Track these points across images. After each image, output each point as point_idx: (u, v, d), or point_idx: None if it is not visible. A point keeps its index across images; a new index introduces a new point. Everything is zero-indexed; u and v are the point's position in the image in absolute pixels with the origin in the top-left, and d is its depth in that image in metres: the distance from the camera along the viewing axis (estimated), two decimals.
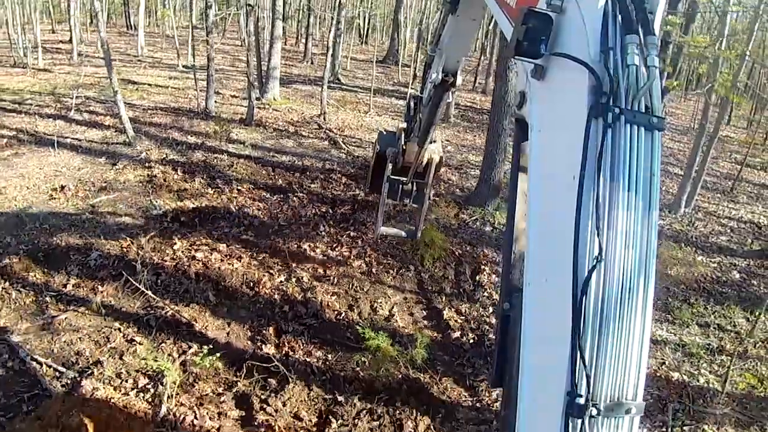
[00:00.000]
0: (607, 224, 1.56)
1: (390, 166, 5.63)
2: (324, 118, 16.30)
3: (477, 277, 8.27)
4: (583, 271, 1.53)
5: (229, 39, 34.22)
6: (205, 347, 5.92)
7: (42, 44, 23.18)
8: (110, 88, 12.73)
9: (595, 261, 1.52)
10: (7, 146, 12.04)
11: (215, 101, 16.36)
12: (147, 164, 11.27)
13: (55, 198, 9.58)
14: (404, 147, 5.47)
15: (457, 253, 8.84)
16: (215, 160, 11.88)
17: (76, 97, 15.72)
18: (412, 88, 22.85)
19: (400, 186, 5.85)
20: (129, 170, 10.97)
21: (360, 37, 42.70)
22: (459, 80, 4.23)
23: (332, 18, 22.17)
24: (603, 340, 1.53)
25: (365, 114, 18.31)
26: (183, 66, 23.33)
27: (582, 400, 1.51)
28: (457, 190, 11.89)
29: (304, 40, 31.72)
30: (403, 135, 5.51)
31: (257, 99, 16.48)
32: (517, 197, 2.25)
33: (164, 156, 11.83)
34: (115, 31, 35.35)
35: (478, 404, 5.84)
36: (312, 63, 28.11)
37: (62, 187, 9.89)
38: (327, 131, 15.28)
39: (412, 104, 5.23)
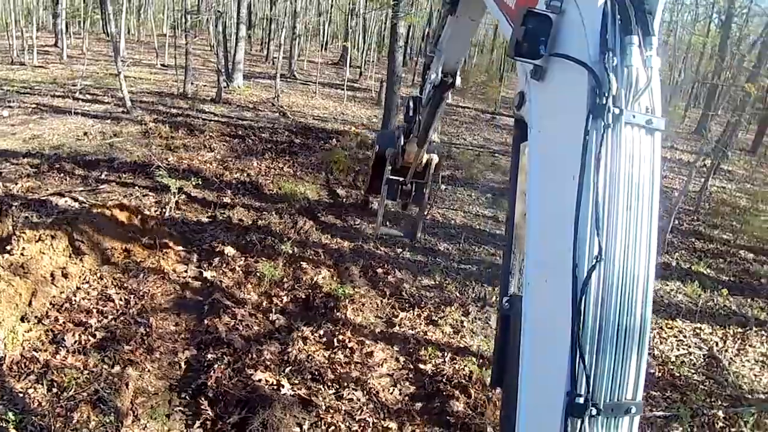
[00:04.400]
0: (607, 225, 1.61)
1: (389, 166, 5.68)
2: (277, 99, 20.77)
3: (364, 180, 12.82)
4: (582, 272, 1.59)
5: (199, 45, 38.50)
6: (194, 180, 10.40)
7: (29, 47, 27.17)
8: (108, 75, 17.03)
9: (595, 261, 1.58)
10: (35, 113, 16.24)
11: (190, 87, 20.71)
12: (143, 123, 15.56)
13: (81, 139, 13.84)
14: (404, 147, 5.49)
15: (356, 168, 13.42)
16: (193, 121, 16.26)
17: (80, 84, 19.94)
18: (358, 84, 27.56)
19: (399, 186, 5.94)
20: (131, 126, 15.27)
21: (321, 44, 47.42)
22: (458, 80, 4.19)
23: (291, 24, 26.82)
24: (603, 340, 1.60)
25: (312, 98, 22.87)
26: (161, 64, 27.58)
27: (582, 400, 1.56)
28: (369, 139, 16.52)
29: (266, 45, 36.29)
30: (402, 135, 5.54)
31: (225, 86, 20.87)
32: (516, 197, 2.27)
33: (155, 118, 16.17)
34: (94, 37, 39.21)
35: (344, 225, 10.40)
36: (273, 64, 32.61)
37: (85, 134, 14.18)
38: (279, 107, 19.77)
39: (411, 105, 5.18)
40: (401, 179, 5.91)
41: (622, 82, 1.67)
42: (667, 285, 10.08)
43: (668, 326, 8.79)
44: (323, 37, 48.30)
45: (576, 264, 1.61)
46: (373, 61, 31.78)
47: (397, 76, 15.01)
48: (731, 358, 8.08)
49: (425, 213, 6.59)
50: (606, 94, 1.63)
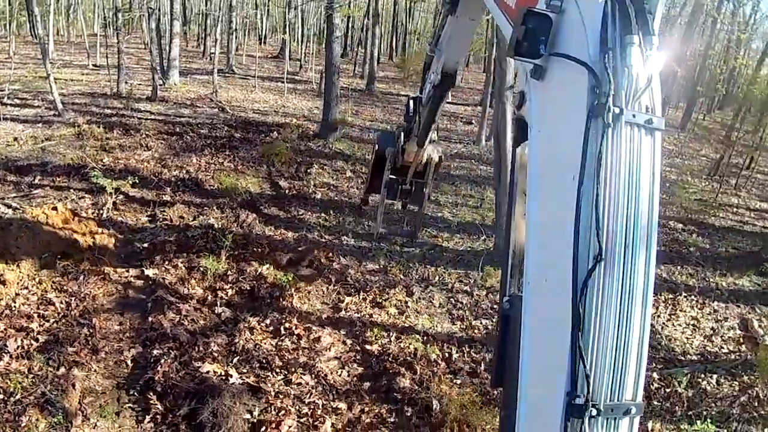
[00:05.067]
0: (607, 224, 1.61)
1: (389, 166, 5.66)
2: (216, 95, 20.49)
3: (307, 170, 12.95)
4: (583, 272, 1.59)
5: (133, 44, 37.44)
6: (131, 180, 10.31)
7: None
8: (38, 78, 16.45)
9: (595, 262, 1.59)
10: None
11: (125, 86, 20.18)
12: (76, 125, 15.08)
13: (11, 145, 13.34)
14: (403, 147, 5.46)
15: (298, 159, 13.47)
16: (128, 121, 15.90)
17: (7, 88, 19.16)
18: (298, 76, 27.42)
19: (399, 186, 5.97)
20: (63, 129, 14.80)
21: (259, 38, 46.85)
22: (458, 79, 4.18)
23: (227, 19, 26.42)
24: (603, 341, 1.61)
25: (251, 92, 22.66)
26: (93, 65, 26.74)
27: (582, 401, 1.57)
28: (310, 130, 16.55)
29: (203, 41, 35.61)
30: (402, 135, 5.50)
31: (160, 84, 20.44)
32: (516, 197, 2.30)
33: (89, 120, 15.73)
34: (21, 40, 37.61)
35: (287, 216, 10.49)
36: (210, 60, 32.05)
37: (15, 139, 13.68)
38: (217, 103, 19.52)
39: (411, 105, 5.15)
40: (401, 179, 5.91)
41: (622, 81, 1.67)
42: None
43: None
44: (261, 31, 47.81)
45: (576, 264, 1.61)
46: (313, 54, 31.60)
47: (335, 66, 15.10)
48: (663, 323, 8.59)
49: (424, 211, 6.65)
50: (606, 94, 1.63)
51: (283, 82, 24.04)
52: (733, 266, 10.81)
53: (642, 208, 1.68)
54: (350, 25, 40.53)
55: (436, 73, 4.37)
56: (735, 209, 15.12)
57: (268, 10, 46.43)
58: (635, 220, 1.67)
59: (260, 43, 45.38)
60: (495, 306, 8.30)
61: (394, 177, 5.90)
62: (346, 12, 25.93)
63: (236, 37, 32.16)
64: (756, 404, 6.76)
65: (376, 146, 5.97)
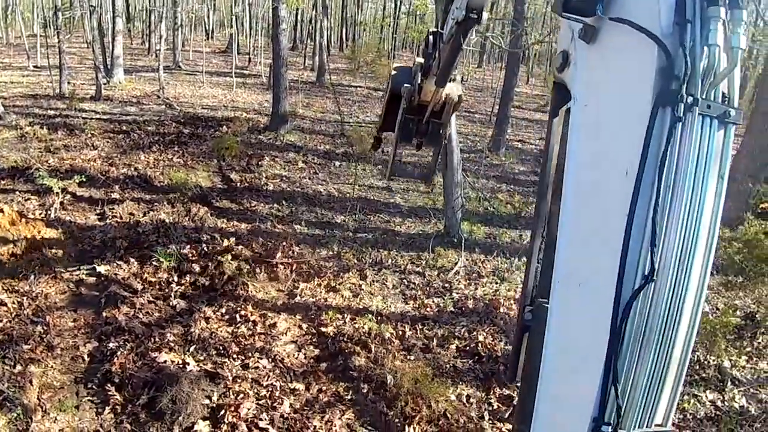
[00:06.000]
0: (663, 238, 1.36)
1: (404, 104, 5.00)
2: (162, 92, 20.23)
3: (258, 162, 13.02)
4: (627, 289, 1.37)
5: (75, 43, 36.44)
6: (78, 179, 10.29)
7: None
8: None
9: (644, 282, 1.36)
10: None
11: (67, 86, 19.73)
12: (18, 127, 14.75)
13: None
14: (421, 85, 4.83)
15: (249, 153, 13.52)
16: (72, 121, 15.61)
17: None
18: (247, 71, 27.20)
19: (415, 126, 5.26)
20: (5, 132, 14.41)
21: (206, 33, 46.14)
22: (485, 16, 3.49)
23: (172, 14, 26.00)
24: (639, 366, 1.42)
25: (199, 88, 22.45)
26: (34, 66, 25.96)
27: (609, 429, 1.43)
28: (261, 123, 16.57)
29: (148, 37, 34.93)
30: (419, 72, 4.86)
31: (105, 83, 20.05)
32: (551, 171, 1.96)
33: (31, 122, 15.38)
34: None
35: (240, 208, 10.59)
36: (156, 57, 31.52)
37: None
38: (165, 99, 19.30)
39: (430, 40, 4.45)
40: (416, 118, 5.79)
41: (699, 63, 1.37)
42: None
43: None
44: (208, 26, 47.10)
45: (621, 280, 1.38)
46: (261, 47, 31.37)
47: (283, 59, 15.18)
48: None
49: (439, 154, 6.38)
50: (679, 78, 1.35)
51: (231, 77, 23.87)
52: None
53: (705, 220, 1.40)
54: (299, 17, 40.39)
55: (460, 9, 3.62)
56: None
57: (214, 4, 45.84)
58: (695, 234, 1.40)
59: (207, 39, 44.72)
60: (446, 285, 8.62)
61: (410, 116, 5.80)
62: (294, 4, 25.86)
63: (182, 33, 31.66)
64: (698, 368, 7.14)
65: (391, 83, 5.82)
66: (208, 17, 46.40)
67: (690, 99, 1.35)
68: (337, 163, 13.63)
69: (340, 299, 7.97)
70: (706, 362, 7.10)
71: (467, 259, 9.29)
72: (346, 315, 7.54)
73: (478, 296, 8.33)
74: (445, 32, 3.90)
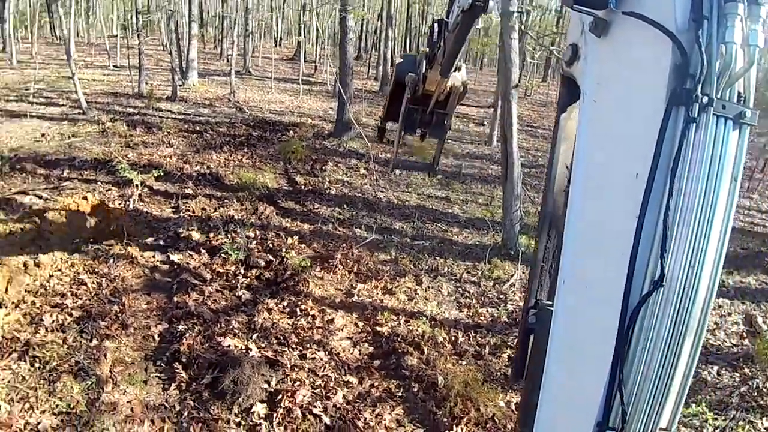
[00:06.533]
0: (674, 242, 1.32)
1: (408, 94, 5.29)
2: (233, 95, 21.07)
3: (322, 167, 13.44)
4: (635, 294, 1.35)
5: (151, 45, 38.30)
6: (155, 173, 10.83)
7: None
8: (61, 78, 17.09)
9: (653, 287, 1.33)
10: None
11: (145, 86, 20.83)
12: (100, 123, 15.74)
13: (39, 141, 13.98)
14: (425, 74, 5.07)
15: (313, 157, 13.97)
16: (150, 119, 16.51)
17: (33, 87, 19.86)
18: (313, 78, 27.94)
19: (419, 116, 5.58)
20: (88, 126, 15.44)
21: (275, 40, 47.59)
22: (491, 4, 3.55)
23: (243, 21, 27.06)
24: (645, 371, 1.40)
25: (268, 93, 23.24)
26: (114, 65, 27.47)
27: None
28: (325, 130, 17.05)
29: (220, 43, 36.35)
30: (424, 61, 5.07)
31: (180, 84, 21.07)
32: (557, 169, 1.95)
33: (112, 118, 16.36)
34: (42, 41, 38.60)
35: (303, 210, 10.97)
36: (227, 61, 32.77)
37: (43, 135, 14.31)
38: (235, 103, 20.10)
39: (435, 28, 4.63)
40: (421, 108, 5.43)
41: (715, 62, 1.32)
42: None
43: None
44: (277, 33, 48.60)
45: (629, 284, 1.36)
46: (327, 56, 32.15)
47: (349, 68, 15.60)
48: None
49: (444, 144, 6.11)
50: (695, 77, 1.30)
51: (298, 84, 24.57)
52: (741, 265, 11.04)
53: (716, 223, 1.36)
54: (364, 27, 41.12)
55: None
56: (746, 211, 15.32)
57: (283, 12, 47.25)
58: (706, 238, 1.35)
59: (276, 45, 46.11)
60: (500, 296, 8.70)
61: (414, 106, 5.43)
62: (360, 14, 26.46)
63: (252, 40, 32.82)
64: (755, 395, 7.00)
65: (396, 72, 5.48)
66: (277, 25, 47.91)
67: (705, 99, 1.31)
68: (398, 172, 13.90)
69: (396, 302, 8.17)
70: (764, 389, 6.93)
71: (523, 273, 9.33)
72: (400, 317, 7.73)
73: None
74: (451, 21, 4.14)
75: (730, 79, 1.35)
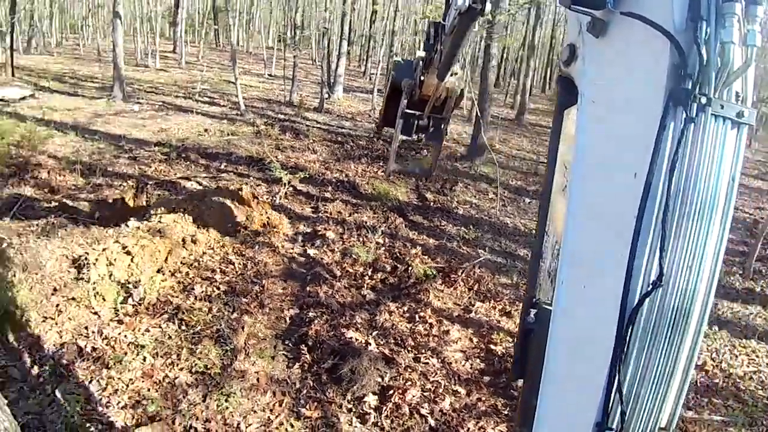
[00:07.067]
0: (672, 243, 1.33)
1: (405, 98, 5.26)
2: (374, 112, 22.10)
3: (452, 187, 13.81)
4: (633, 294, 1.34)
5: (301, 58, 40.99)
6: (300, 175, 11.73)
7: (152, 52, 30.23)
8: (222, 81, 18.92)
9: (652, 287, 1.33)
10: (161, 110, 18.35)
11: (296, 96, 22.45)
12: (255, 125, 17.24)
13: (202, 135, 15.62)
14: (422, 79, 5.02)
15: (444, 177, 14.38)
16: (298, 126, 17.81)
17: (198, 87, 22.15)
18: None
19: (416, 121, 5.61)
20: (244, 127, 16.99)
21: None
22: (488, 7, 3.55)
23: (389, 42, 28.32)
24: (644, 372, 1.40)
25: None
26: (268, 74, 29.79)
27: None
28: (458, 152, 17.42)
29: (364, 62, 38.14)
30: (421, 66, 5.05)
31: (326, 97, 22.48)
32: (555, 170, 1.94)
33: (265, 122, 17.85)
34: (206, 46, 42.57)
35: (430, 225, 11.34)
36: (370, 79, 34.33)
37: (206, 130, 15.96)
38: (375, 119, 21.06)
39: (432, 32, 4.61)
40: (418, 113, 5.42)
41: (714, 62, 1.32)
42: (747, 308, 10.22)
43: (742, 345, 9.01)
44: None
45: (627, 284, 1.36)
46: (467, 81, 32.66)
47: (488, 94, 15.93)
48: None
49: (441, 149, 5.93)
50: (693, 77, 1.32)
51: None
52: None
53: (715, 224, 1.37)
54: (505, 56, 41.15)
55: None
56: None
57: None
58: (705, 239, 1.37)
59: None
60: None
61: (410, 111, 5.42)
62: (504, 43, 26.68)
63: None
64: None
65: (392, 77, 5.54)
66: (420, 48, 49.35)
67: (703, 99, 1.31)
68: (527, 200, 13.92)
69: (513, 324, 8.25)
70: None
71: None
72: (516, 339, 7.81)
73: None
74: (448, 23, 4.13)
75: (728, 78, 1.35)
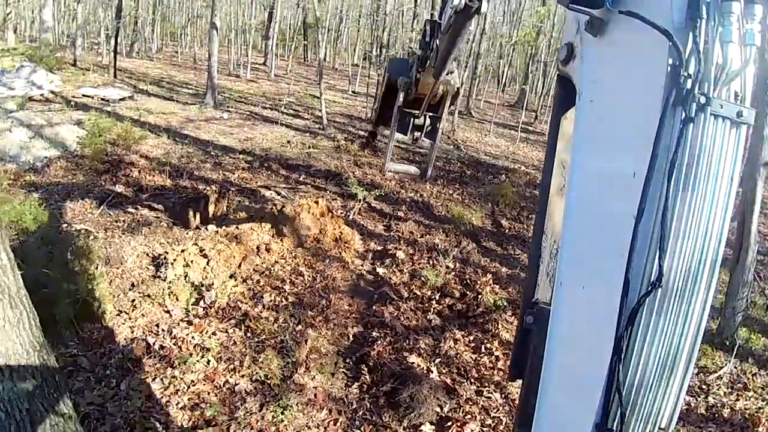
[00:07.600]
0: (671, 243, 1.32)
1: (401, 97, 5.23)
2: (453, 133, 22.00)
3: (529, 215, 13.45)
4: (632, 294, 1.33)
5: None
6: (375, 193, 11.74)
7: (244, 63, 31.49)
8: (308, 95, 19.36)
9: (651, 288, 1.32)
10: (248, 119, 19.00)
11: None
12: (335, 139, 17.52)
13: (284, 146, 16.02)
14: (418, 77, 4.99)
15: (522, 204, 14.05)
16: (377, 144, 17.83)
17: (285, 99, 22.83)
18: (532, 127, 28.07)
19: (411, 119, 5.55)
20: (325, 141, 17.30)
21: (498, 85, 48.58)
22: (485, 6, 3.45)
23: (473, 65, 28.22)
24: (644, 372, 1.39)
25: (485, 136, 23.83)
26: (352, 91, 30.33)
27: None
28: (537, 180, 17.00)
29: None
30: (416, 64, 5.02)
31: None
32: (553, 169, 1.93)
33: (345, 137, 18.12)
34: (294, 60, 43.97)
35: (504, 253, 11.08)
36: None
37: (288, 141, 16.37)
38: (453, 141, 20.96)
39: (428, 30, 4.58)
40: (413, 112, 5.40)
41: (712, 61, 1.31)
42: None
43: None
44: (502, 79, 49.53)
45: (626, 285, 1.34)
46: (549, 107, 31.97)
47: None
48: None
49: (436, 149, 6.12)
50: (692, 77, 1.30)
51: (516, 131, 24.84)
52: None
53: (714, 224, 1.36)
54: None
55: None
56: None
57: (510, 60, 47.95)
58: (704, 239, 1.35)
59: (499, 91, 47.01)
60: (702, 386, 7.94)
61: (406, 110, 5.39)
62: None
63: (477, 83, 33.91)
64: None
65: (388, 74, 5.44)
66: (504, 72, 48.82)
67: (702, 98, 1.30)
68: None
69: None
70: None
71: (735, 367, 8.40)
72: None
73: (737, 408, 7.50)
74: (444, 22, 4.05)
75: (727, 78, 1.34)
